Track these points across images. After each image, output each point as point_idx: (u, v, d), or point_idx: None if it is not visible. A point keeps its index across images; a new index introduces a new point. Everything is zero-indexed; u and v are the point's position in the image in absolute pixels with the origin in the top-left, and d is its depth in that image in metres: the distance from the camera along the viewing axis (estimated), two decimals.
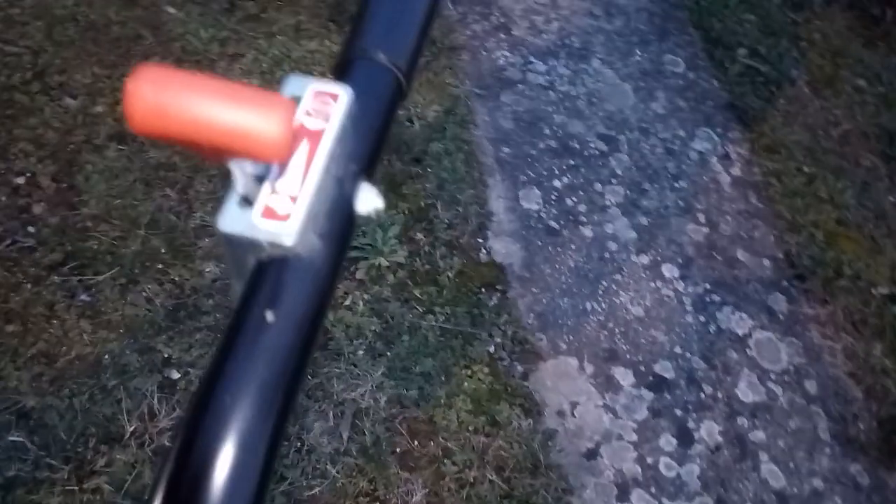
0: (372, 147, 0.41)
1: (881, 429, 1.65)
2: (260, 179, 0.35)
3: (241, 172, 0.34)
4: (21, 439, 1.28)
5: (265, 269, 0.35)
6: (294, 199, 0.34)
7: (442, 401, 1.52)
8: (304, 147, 0.35)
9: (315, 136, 0.36)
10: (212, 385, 0.32)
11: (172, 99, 0.30)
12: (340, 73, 0.43)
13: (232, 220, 0.34)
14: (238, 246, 0.35)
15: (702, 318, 1.77)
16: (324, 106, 0.37)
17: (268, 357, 0.33)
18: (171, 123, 0.30)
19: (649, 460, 1.54)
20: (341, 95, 0.37)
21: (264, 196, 0.34)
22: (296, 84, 0.38)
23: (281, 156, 0.32)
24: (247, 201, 0.34)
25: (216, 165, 0.33)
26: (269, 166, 0.35)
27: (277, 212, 0.34)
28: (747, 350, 1.74)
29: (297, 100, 0.37)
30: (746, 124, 2.31)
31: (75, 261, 1.52)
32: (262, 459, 0.31)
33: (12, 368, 1.36)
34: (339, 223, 0.37)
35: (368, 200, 0.38)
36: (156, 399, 1.37)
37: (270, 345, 0.33)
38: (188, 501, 0.31)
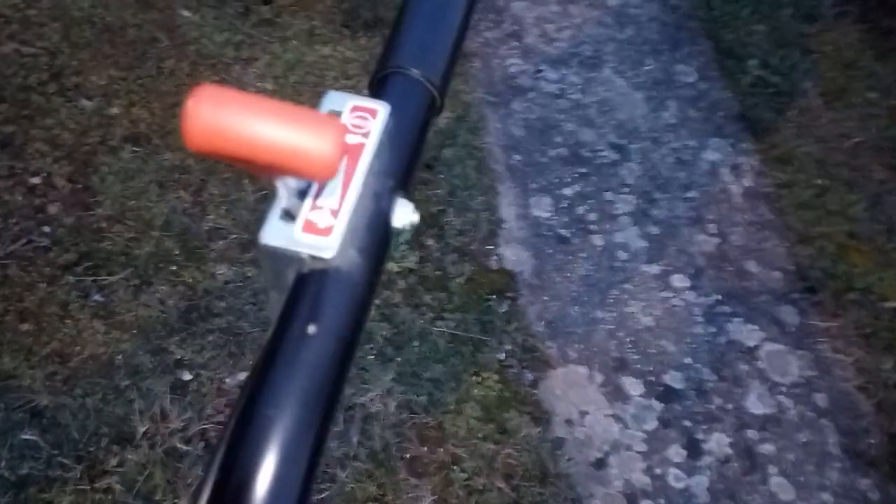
0: (407, 162, 0.42)
1: (892, 444, 1.64)
2: (302, 194, 0.35)
3: (286, 188, 0.34)
4: (34, 438, 1.29)
5: (305, 283, 0.35)
6: (334, 214, 0.35)
7: (451, 407, 1.52)
8: (343, 163, 0.36)
9: (354, 152, 0.36)
10: (254, 397, 0.33)
11: (229, 119, 0.31)
12: (376, 88, 0.43)
13: (274, 233, 0.35)
14: (279, 259, 0.35)
15: (712, 329, 1.77)
16: (362, 122, 0.37)
17: (309, 370, 0.33)
18: (227, 143, 0.31)
19: (658, 471, 1.54)
20: (379, 111, 0.38)
21: (306, 211, 0.35)
22: (335, 100, 0.38)
23: (330, 174, 0.33)
24: (289, 215, 0.35)
25: (262, 179, 0.34)
26: (311, 182, 0.35)
27: (318, 226, 0.35)
28: (757, 362, 1.74)
29: (336, 115, 0.38)
30: (758, 135, 2.31)
31: (89, 261, 1.53)
32: (305, 471, 0.32)
33: (26, 367, 1.36)
34: (377, 237, 0.38)
35: (404, 215, 0.39)
36: (168, 400, 1.38)
37: (312, 357, 0.34)
38: None
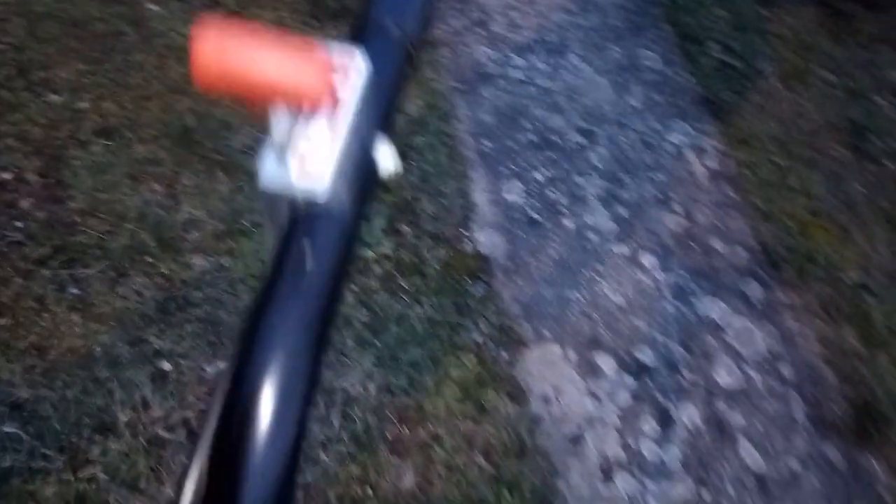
0: (388, 109, 0.45)
1: (856, 412, 1.70)
2: (293, 127, 0.38)
3: (279, 121, 0.37)
4: (15, 430, 1.29)
5: (300, 221, 0.39)
6: (325, 158, 0.38)
7: (430, 388, 1.54)
8: (330, 109, 0.39)
9: (339, 99, 0.39)
10: (256, 325, 0.36)
11: (232, 46, 0.34)
12: (355, 39, 0.46)
13: (270, 177, 0.38)
14: (275, 200, 0.39)
15: (680, 306, 1.82)
16: (345, 70, 0.40)
17: (306, 302, 0.37)
18: (230, 70, 0.34)
19: (632, 444, 1.58)
20: (360, 61, 0.41)
21: (299, 155, 0.38)
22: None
23: (322, 97, 0.36)
24: (282, 154, 0.38)
25: (258, 112, 0.37)
26: (301, 116, 0.38)
27: (310, 170, 0.38)
28: (725, 336, 1.79)
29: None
30: (720, 118, 2.36)
31: (64, 255, 1.53)
32: (305, 389, 0.35)
33: (4, 361, 1.36)
34: (363, 179, 0.42)
35: (387, 159, 0.43)
36: (148, 390, 1.39)
37: (308, 289, 0.37)
38: (239, 427, 0.34)
